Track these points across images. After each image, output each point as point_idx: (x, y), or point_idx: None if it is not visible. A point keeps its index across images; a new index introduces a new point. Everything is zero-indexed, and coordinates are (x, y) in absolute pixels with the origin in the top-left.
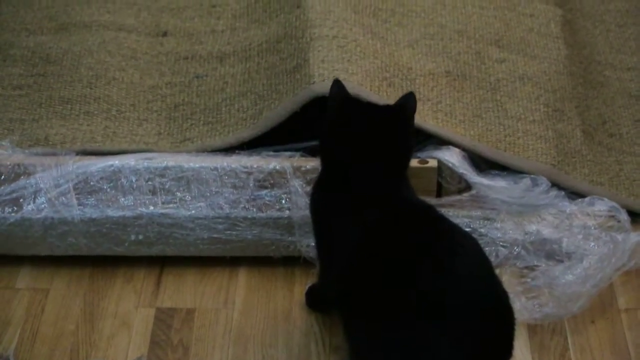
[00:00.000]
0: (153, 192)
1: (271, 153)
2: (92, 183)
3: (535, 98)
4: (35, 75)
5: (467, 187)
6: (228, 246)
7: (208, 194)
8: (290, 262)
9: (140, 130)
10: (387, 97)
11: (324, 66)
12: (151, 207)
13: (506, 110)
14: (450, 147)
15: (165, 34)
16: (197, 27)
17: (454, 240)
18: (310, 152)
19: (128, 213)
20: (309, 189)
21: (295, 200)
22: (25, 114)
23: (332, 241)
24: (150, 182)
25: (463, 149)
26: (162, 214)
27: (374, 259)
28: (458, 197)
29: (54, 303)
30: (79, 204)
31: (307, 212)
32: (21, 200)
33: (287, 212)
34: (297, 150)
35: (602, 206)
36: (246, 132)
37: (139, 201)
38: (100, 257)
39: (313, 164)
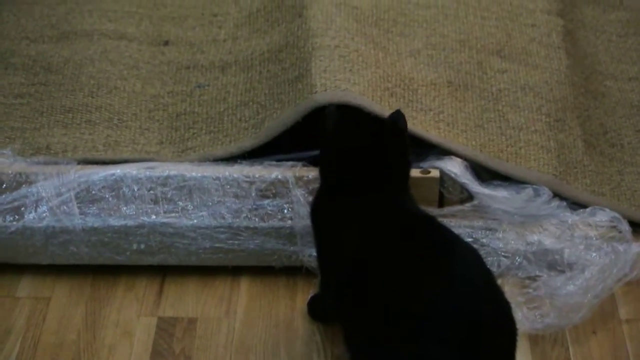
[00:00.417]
0: (155, 201)
1: (273, 163)
2: (93, 192)
3: (537, 108)
4: (36, 84)
5: (469, 197)
6: (230, 256)
7: (210, 204)
8: (292, 271)
9: (142, 140)
10: (389, 107)
11: (326, 76)
12: (153, 216)
13: (508, 120)
14: (452, 157)
15: (166, 43)
16: (199, 36)
17: (455, 251)
18: (312, 162)
19: (130, 222)
20: (311, 198)
21: (297, 210)
22: (27, 123)
23: (333, 252)
24: (152, 191)
25: (465, 159)
26: (164, 223)
27: (374, 270)
28: (460, 207)
29: (55, 312)
30: (81, 213)
31: (309, 222)
32: (22, 208)
33: (289, 221)
34: (299, 159)
35: (603, 216)
36: (248, 142)
37: (140, 210)
38: (102, 266)
39: (315, 173)
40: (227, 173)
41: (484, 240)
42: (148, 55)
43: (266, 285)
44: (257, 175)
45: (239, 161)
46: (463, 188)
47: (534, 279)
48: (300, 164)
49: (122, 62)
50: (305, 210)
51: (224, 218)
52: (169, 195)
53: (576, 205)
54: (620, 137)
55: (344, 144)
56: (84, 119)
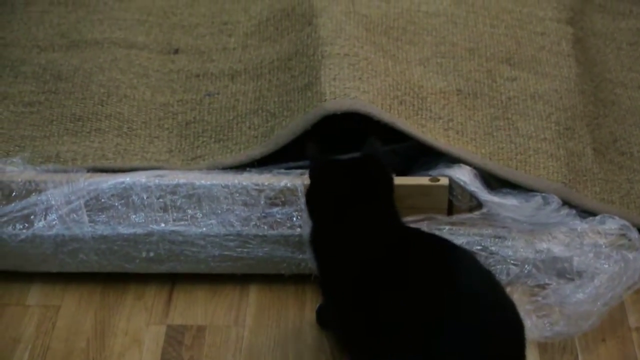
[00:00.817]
0: (164, 210)
1: (282, 171)
2: (103, 200)
3: (547, 116)
4: (46, 92)
5: (478, 205)
6: (239, 263)
7: (219, 212)
8: (301, 279)
9: (152, 148)
10: (398, 115)
11: (335, 84)
12: (162, 225)
13: (517, 128)
14: (462, 165)
15: (176, 52)
16: (209, 44)
17: (454, 261)
18: None
19: (139, 230)
20: None
21: (306, 218)
22: (37, 131)
23: (334, 281)
24: (161, 200)
25: (474, 167)
26: (173, 231)
27: (376, 294)
28: (469, 215)
29: (64, 320)
30: (90, 221)
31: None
32: (32, 217)
33: (298, 229)
34: (308, 168)
35: (613, 224)
36: (257, 150)
37: (150, 218)
38: (111, 274)
39: None
40: (236, 181)
41: (493, 249)
42: (158, 64)
43: (275, 293)
44: (266, 183)
45: (248, 169)
46: (472, 196)
47: (543, 287)
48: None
49: (132, 71)
50: None
51: (233, 226)
52: (178, 204)
53: (585, 213)
54: (630, 145)
55: (324, 190)
56: (93, 127)
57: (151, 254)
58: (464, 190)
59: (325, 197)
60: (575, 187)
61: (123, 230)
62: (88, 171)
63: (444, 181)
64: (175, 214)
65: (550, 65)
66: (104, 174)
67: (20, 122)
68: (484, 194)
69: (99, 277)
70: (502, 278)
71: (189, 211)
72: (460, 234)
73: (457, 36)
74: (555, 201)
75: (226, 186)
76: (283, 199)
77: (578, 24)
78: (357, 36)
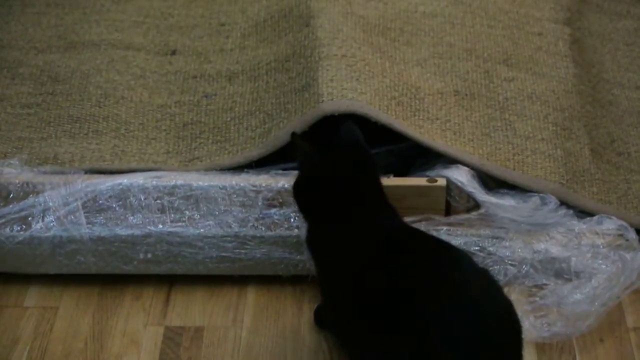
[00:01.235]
0: (162, 211)
1: (280, 172)
2: (100, 201)
3: (544, 117)
4: (43, 93)
5: (476, 205)
6: (237, 265)
7: (217, 213)
8: (299, 280)
9: (149, 149)
10: (395, 116)
11: (333, 85)
12: (160, 226)
13: (515, 129)
14: (459, 165)
15: (174, 53)
16: (206, 45)
17: (448, 259)
18: None
19: (137, 231)
20: None
21: (303, 219)
22: (34, 133)
23: (332, 281)
24: (159, 201)
25: (472, 167)
26: (170, 232)
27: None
28: (467, 215)
29: (62, 321)
30: (88, 223)
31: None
32: (30, 218)
33: (296, 230)
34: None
35: (610, 225)
36: (255, 151)
37: (147, 220)
38: (109, 276)
39: None
40: (233, 182)
41: (491, 249)
42: (155, 65)
43: (273, 294)
44: (263, 185)
45: (245, 170)
46: (470, 197)
47: (541, 287)
48: None
49: (129, 72)
50: None
51: (230, 227)
52: (175, 205)
53: (583, 213)
54: (627, 145)
55: (316, 185)
56: (91, 128)
57: (149, 255)
58: (461, 190)
59: (317, 192)
60: (573, 187)
61: (121, 231)
62: (85, 173)
63: (442, 182)
64: (172, 215)
65: (548, 65)
66: (102, 176)
67: (17, 124)
68: (481, 195)
69: (97, 278)
70: (500, 278)
71: (187, 212)
72: (457, 234)
73: (455, 37)
74: (553, 202)
75: (224, 187)
76: (281, 200)
77: (575, 24)
78: (354, 37)
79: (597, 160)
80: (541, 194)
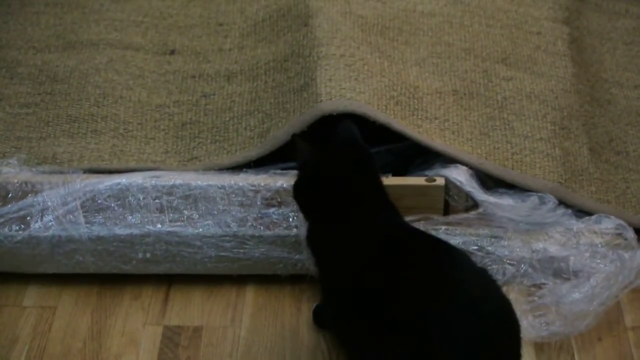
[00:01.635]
0: (160, 210)
1: (278, 171)
2: (99, 201)
3: (543, 116)
4: (42, 93)
5: (475, 205)
6: (235, 264)
7: (215, 212)
8: (298, 280)
9: (148, 149)
10: (394, 115)
11: (331, 85)
12: (159, 225)
13: (513, 128)
14: (458, 165)
15: (172, 53)
16: (205, 45)
17: (447, 259)
18: None
19: (135, 231)
20: None
21: (302, 218)
22: (33, 132)
23: (333, 279)
24: (157, 200)
25: (470, 167)
26: (169, 232)
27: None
28: (465, 215)
29: (61, 321)
30: (87, 222)
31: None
32: (28, 218)
33: (295, 230)
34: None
35: (609, 224)
36: (254, 151)
37: (146, 219)
38: (108, 275)
39: None
40: (232, 182)
41: (490, 248)
42: (154, 65)
43: (272, 293)
44: (262, 184)
45: (244, 170)
46: (468, 196)
47: (539, 286)
48: None
49: (128, 72)
50: None
51: (229, 227)
52: (174, 204)
53: (582, 212)
54: (625, 144)
55: (308, 186)
56: (89, 128)
57: (148, 255)
58: (460, 190)
59: (317, 192)
60: (571, 186)
61: (119, 231)
62: (84, 172)
63: (440, 181)
64: (171, 215)
65: (546, 65)
66: (100, 175)
67: (16, 124)
68: (480, 194)
69: (96, 278)
70: (499, 278)
71: (186, 212)
72: (456, 234)
73: (453, 36)
74: (552, 201)
75: (222, 187)
76: (279, 200)
77: (574, 23)
78: (353, 37)
79: (596, 160)
80: (540, 193)
